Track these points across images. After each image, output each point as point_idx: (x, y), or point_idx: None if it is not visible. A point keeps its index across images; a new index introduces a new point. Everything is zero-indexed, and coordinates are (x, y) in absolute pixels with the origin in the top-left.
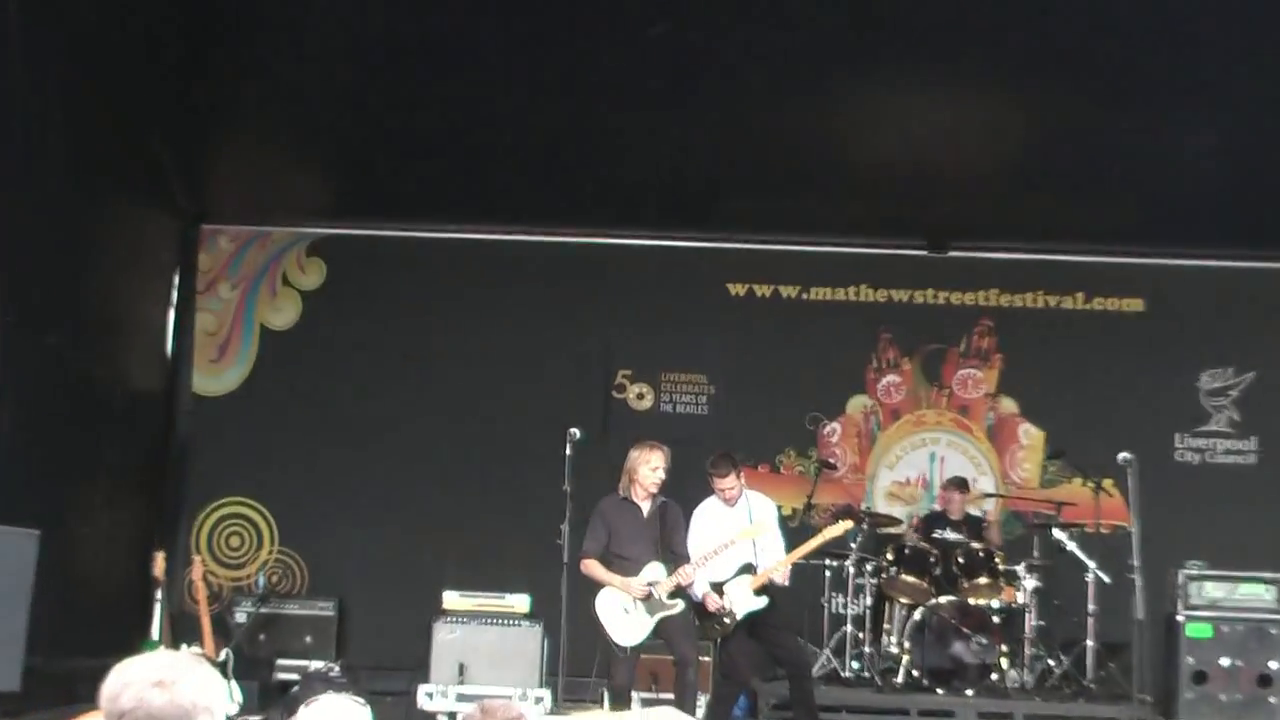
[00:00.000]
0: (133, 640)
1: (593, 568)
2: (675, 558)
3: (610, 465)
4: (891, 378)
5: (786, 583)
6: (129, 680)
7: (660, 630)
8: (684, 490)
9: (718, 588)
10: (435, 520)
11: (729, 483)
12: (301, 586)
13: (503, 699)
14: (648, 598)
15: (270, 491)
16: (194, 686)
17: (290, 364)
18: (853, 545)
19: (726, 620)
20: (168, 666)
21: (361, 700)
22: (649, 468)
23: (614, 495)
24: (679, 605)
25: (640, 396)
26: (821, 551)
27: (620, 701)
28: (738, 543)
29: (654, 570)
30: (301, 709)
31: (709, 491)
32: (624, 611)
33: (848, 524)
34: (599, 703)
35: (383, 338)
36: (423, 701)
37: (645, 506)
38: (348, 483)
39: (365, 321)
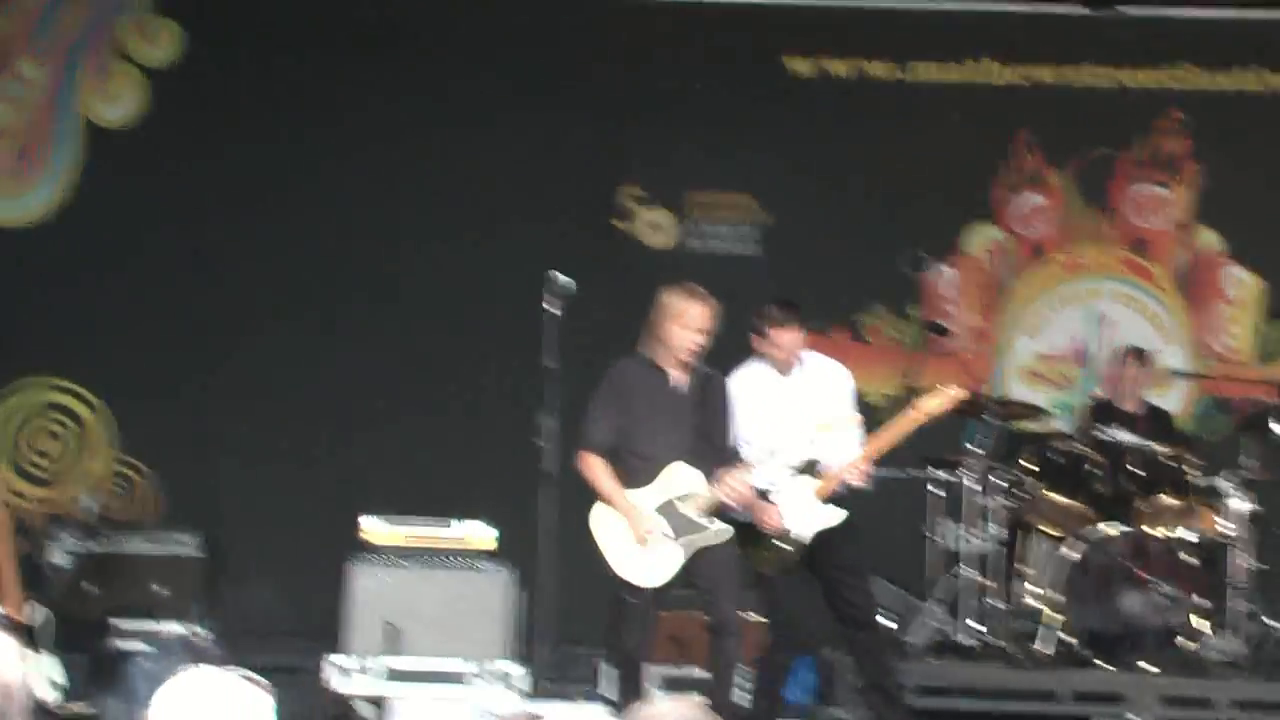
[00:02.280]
0: None
1: (595, 468)
2: (714, 454)
3: (612, 329)
4: (1033, 198)
5: (865, 485)
6: None
7: (693, 567)
8: (721, 366)
9: (764, 496)
10: (351, 415)
11: (785, 338)
12: (151, 512)
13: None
14: (672, 525)
15: (102, 371)
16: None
17: (129, 179)
18: (972, 448)
19: (787, 547)
20: None
21: (260, 680)
22: (684, 326)
23: (634, 358)
24: (722, 530)
25: (656, 227)
26: (926, 459)
27: (628, 678)
28: (795, 409)
29: (682, 475)
30: (164, 692)
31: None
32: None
33: (957, 390)
34: (593, 682)
35: (268, 140)
36: (334, 680)
37: (679, 377)
38: (220, 359)
39: (243, 115)
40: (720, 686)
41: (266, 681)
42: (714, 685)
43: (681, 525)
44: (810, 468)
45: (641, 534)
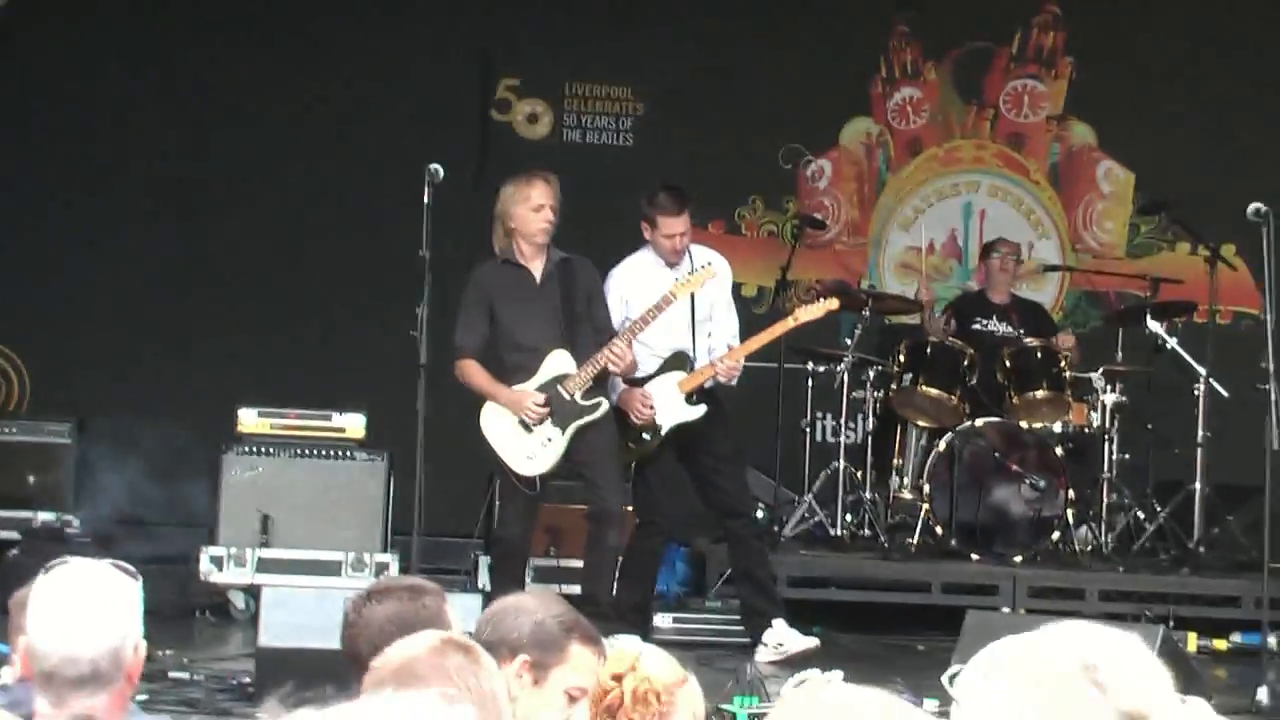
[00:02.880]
0: None
1: (470, 371)
2: (595, 335)
3: (490, 221)
4: (908, 91)
5: (732, 382)
6: None
7: (574, 450)
8: (598, 259)
9: (637, 384)
10: (225, 301)
11: (677, 226)
12: (20, 400)
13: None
14: (546, 407)
15: None
16: None
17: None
18: (849, 342)
19: (646, 436)
20: None
21: (128, 568)
22: (529, 207)
23: (492, 260)
24: (600, 406)
25: (533, 118)
26: (801, 349)
27: (509, 569)
28: (673, 303)
29: (558, 360)
30: (36, 582)
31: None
32: (521, 428)
33: (833, 302)
34: (472, 571)
35: (148, 24)
36: (207, 570)
37: (537, 268)
38: (92, 238)
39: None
40: (597, 576)
41: (133, 569)
42: (592, 575)
43: (561, 407)
44: (679, 361)
45: (532, 410)
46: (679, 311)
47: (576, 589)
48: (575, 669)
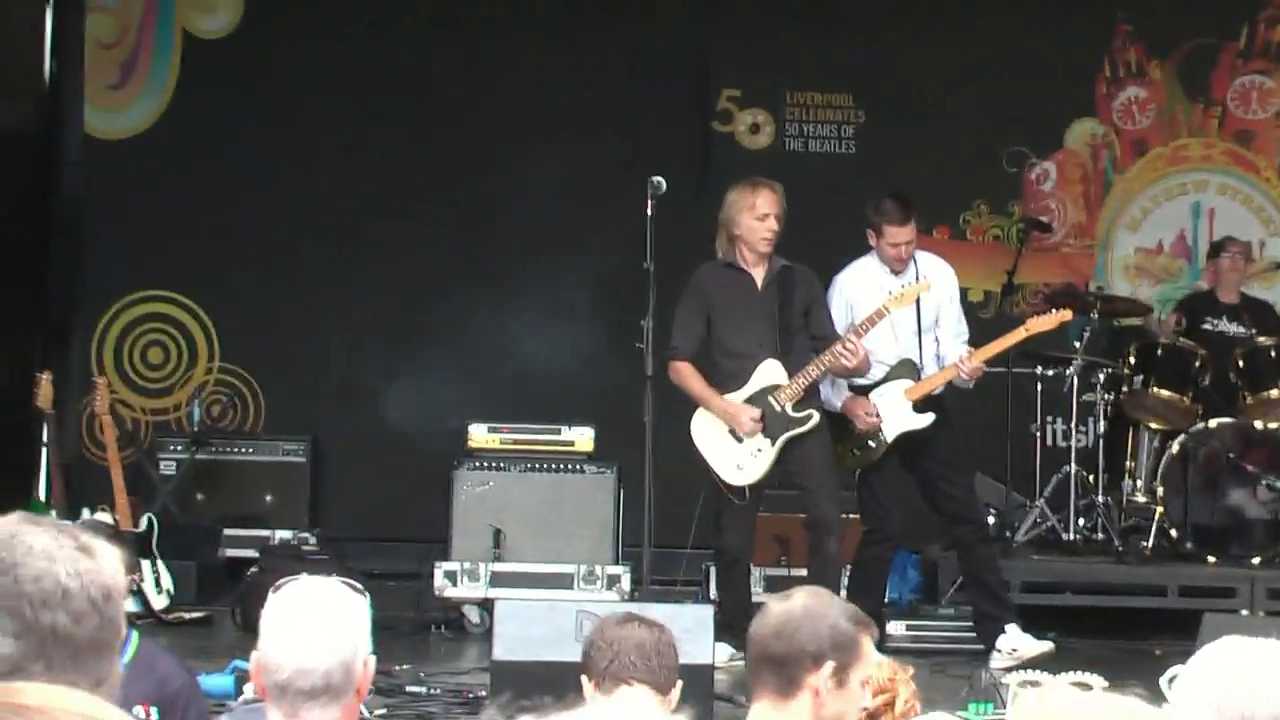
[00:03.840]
0: (10, 501)
1: (685, 375)
2: (813, 344)
3: (713, 232)
4: (1134, 91)
5: (970, 384)
6: None
7: (787, 460)
8: (820, 266)
9: (862, 392)
10: (454, 323)
11: (903, 235)
12: (257, 422)
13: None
14: (762, 420)
15: (206, 282)
16: (115, 556)
17: (229, 91)
18: (1077, 345)
19: (871, 444)
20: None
21: (356, 585)
22: (754, 215)
23: (714, 262)
24: (811, 418)
25: (755, 128)
26: (1030, 353)
27: (732, 579)
28: (898, 312)
29: (771, 370)
30: (270, 598)
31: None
32: (732, 437)
33: (1066, 314)
34: (703, 583)
35: (370, 49)
36: (442, 585)
37: (759, 274)
38: (324, 270)
39: (344, 23)
40: (821, 584)
41: (360, 585)
42: (815, 583)
43: (772, 418)
44: (907, 369)
45: (747, 425)
46: (905, 318)
47: None
48: (866, 661)
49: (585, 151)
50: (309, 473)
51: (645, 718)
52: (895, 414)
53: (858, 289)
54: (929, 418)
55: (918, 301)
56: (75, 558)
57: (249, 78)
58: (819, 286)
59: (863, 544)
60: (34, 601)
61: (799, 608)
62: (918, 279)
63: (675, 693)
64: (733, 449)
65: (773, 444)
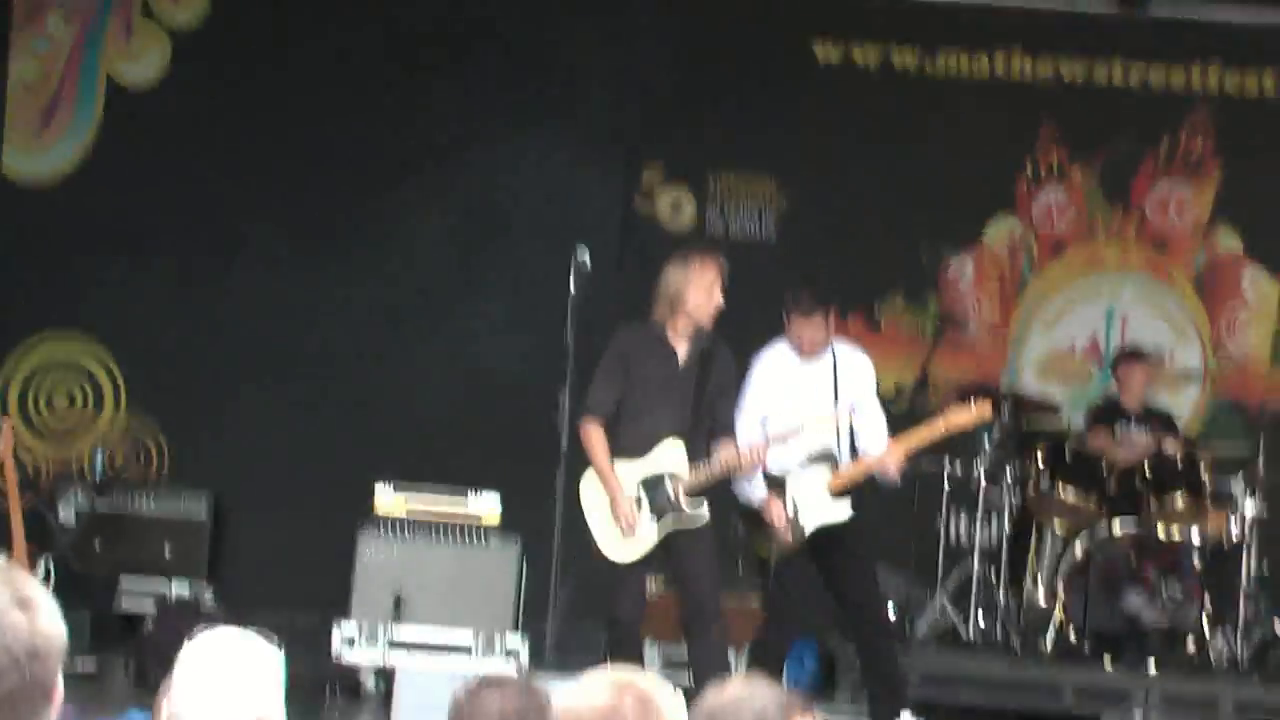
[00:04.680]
0: None
1: (592, 441)
2: (715, 429)
3: (630, 306)
4: (1054, 193)
5: (897, 480)
6: None
7: (672, 554)
8: (736, 351)
9: (777, 484)
10: (363, 381)
11: (813, 327)
12: (160, 472)
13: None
14: (635, 518)
15: (117, 327)
16: (54, 612)
17: (151, 138)
18: (986, 443)
19: (786, 538)
20: (22, 580)
21: (270, 636)
22: (703, 290)
23: (640, 325)
24: (701, 515)
25: (676, 207)
26: (940, 450)
27: (623, 649)
28: (813, 397)
29: (672, 453)
30: (183, 651)
31: (763, 346)
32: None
33: (986, 408)
34: (602, 656)
35: (289, 106)
36: (339, 649)
37: (682, 351)
38: (235, 320)
39: (266, 80)
40: (707, 670)
41: (275, 637)
42: (701, 669)
43: (662, 503)
44: (826, 458)
45: (621, 521)
46: (822, 405)
47: None
48: None
49: (505, 220)
50: (209, 527)
51: None
52: (813, 505)
53: (769, 376)
54: (846, 509)
55: (835, 389)
56: (3, 611)
57: (176, 128)
58: (734, 374)
59: (763, 628)
60: None
61: (727, 699)
62: (835, 368)
63: None
64: (615, 524)
65: (657, 532)
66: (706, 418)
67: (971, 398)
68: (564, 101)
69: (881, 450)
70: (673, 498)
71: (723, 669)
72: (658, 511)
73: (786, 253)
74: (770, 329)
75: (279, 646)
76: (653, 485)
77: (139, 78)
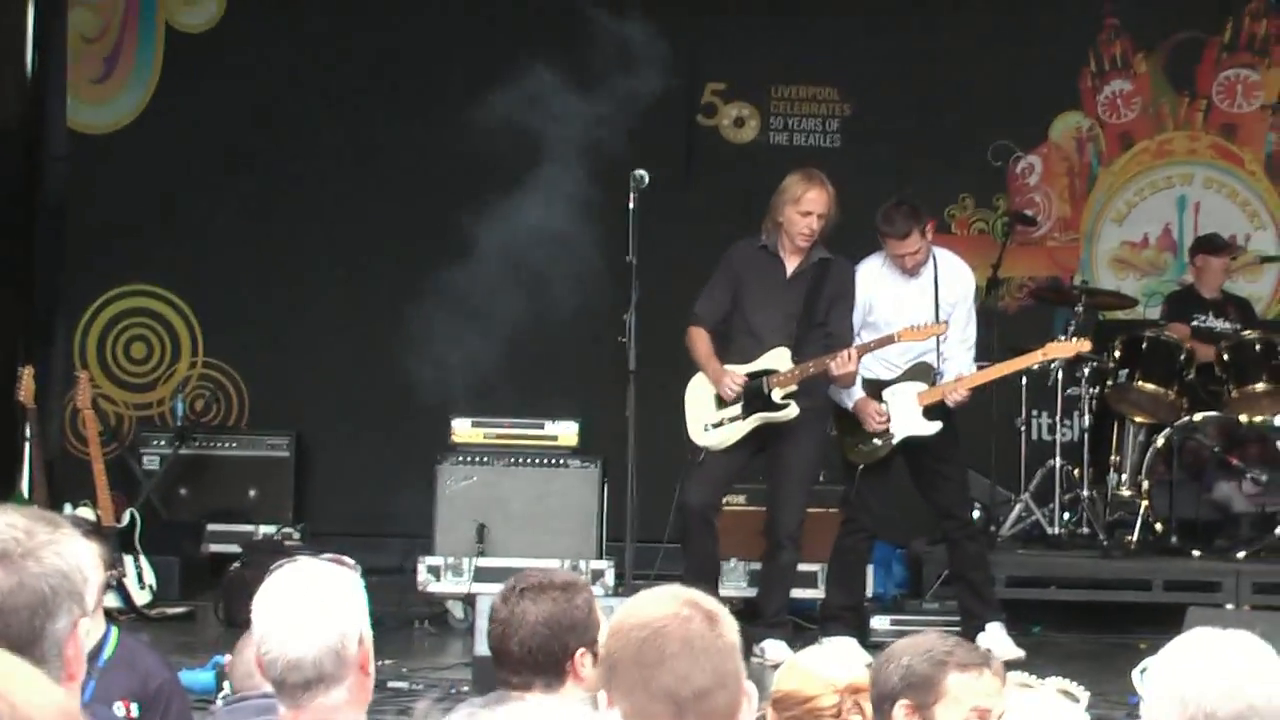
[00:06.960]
0: None
1: (694, 338)
2: (829, 340)
3: (698, 225)
4: (1119, 84)
5: (964, 402)
6: None
7: (768, 456)
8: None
9: (875, 390)
10: (434, 318)
11: (910, 245)
12: (240, 416)
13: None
14: (738, 400)
15: (190, 276)
16: (57, 560)
17: (213, 84)
18: (1062, 338)
19: (877, 442)
20: (20, 531)
21: (347, 561)
22: (798, 209)
23: (751, 240)
24: (788, 408)
25: (739, 122)
26: (1015, 347)
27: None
28: (914, 310)
29: (777, 357)
30: (266, 581)
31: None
32: (715, 401)
33: (1085, 344)
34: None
35: (351, 43)
36: (425, 580)
37: (791, 263)
38: (306, 261)
39: (325, 19)
40: (768, 591)
41: (351, 561)
42: (763, 588)
43: (754, 397)
44: (922, 372)
45: (726, 388)
46: (922, 316)
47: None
48: (958, 699)
49: (568, 143)
50: (293, 467)
51: (570, 713)
52: (905, 416)
53: (870, 290)
54: (937, 425)
55: (935, 302)
56: None
57: (232, 71)
58: (851, 284)
59: (841, 534)
60: None
61: (889, 651)
62: (936, 281)
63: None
64: (708, 412)
65: (744, 419)
66: (819, 328)
67: (1039, 298)
68: (624, 21)
69: (969, 371)
70: (765, 390)
71: (781, 589)
72: (747, 404)
73: (851, 161)
74: (838, 235)
75: (356, 565)
76: (751, 382)
77: (197, 22)
